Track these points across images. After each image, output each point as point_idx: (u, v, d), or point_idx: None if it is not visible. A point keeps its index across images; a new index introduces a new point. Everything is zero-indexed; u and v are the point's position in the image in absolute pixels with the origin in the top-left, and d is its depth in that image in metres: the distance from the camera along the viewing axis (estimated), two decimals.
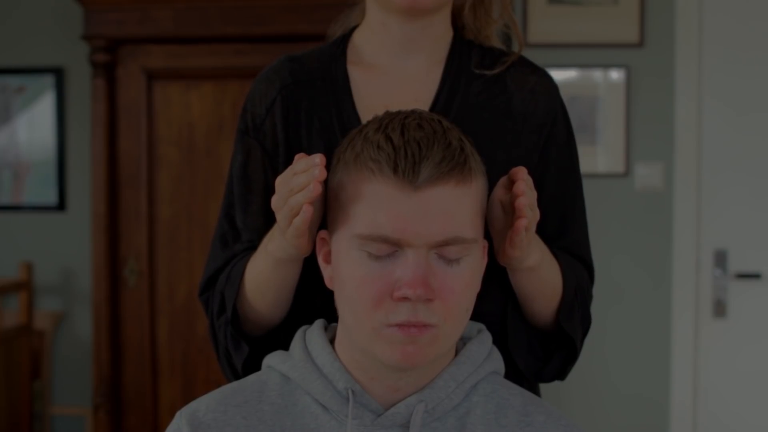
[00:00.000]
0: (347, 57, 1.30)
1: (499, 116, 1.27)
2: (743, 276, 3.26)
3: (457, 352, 1.11)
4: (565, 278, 1.23)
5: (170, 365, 3.22)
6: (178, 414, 1.11)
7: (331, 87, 1.28)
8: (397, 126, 1.04)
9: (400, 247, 1.01)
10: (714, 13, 3.24)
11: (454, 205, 1.02)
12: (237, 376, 1.25)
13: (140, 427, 3.23)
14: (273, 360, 1.14)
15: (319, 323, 1.15)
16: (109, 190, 3.17)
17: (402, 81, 1.28)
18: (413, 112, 1.08)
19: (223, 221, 1.30)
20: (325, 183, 1.08)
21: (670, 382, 3.30)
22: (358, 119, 1.24)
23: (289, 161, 1.14)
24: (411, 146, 1.01)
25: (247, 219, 1.28)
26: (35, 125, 3.58)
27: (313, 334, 1.13)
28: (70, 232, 3.55)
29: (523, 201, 1.06)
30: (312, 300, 1.22)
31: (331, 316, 1.14)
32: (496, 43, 1.35)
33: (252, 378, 1.15)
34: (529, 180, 1.11)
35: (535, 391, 1.32)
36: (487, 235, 1.13)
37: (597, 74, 3.30)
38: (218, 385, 1.19)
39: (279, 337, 1.24)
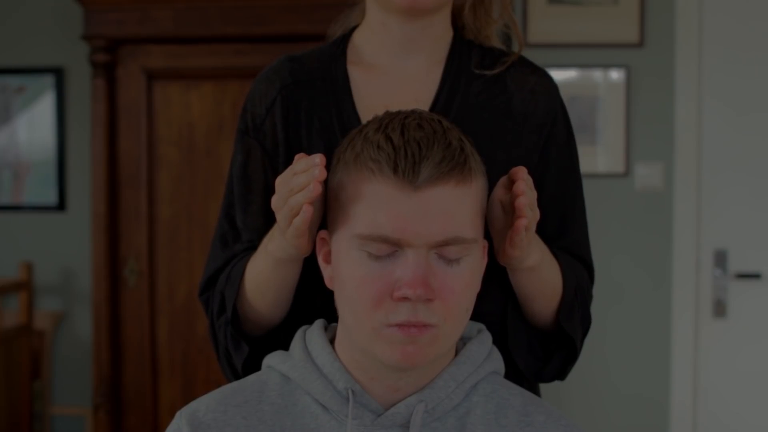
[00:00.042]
0: (347, 57, 1.30)
1: (499, 116, 1.27)
2: (743, 276, 3.26)
3: (457, 352, 1.11)
4: (565, 278, 1.23)
5: (170, 365, 3.22)
6: (178, 414, 1.11)
7: (331, 87, 1.28)
8: (397, 126, 1.04)
9: (400, 247, 1.01)
10: (714, 13, 3.24)
11: (454, 205, 1.02)
12: (237, 376, 1.25)
13: (140, 427, 3.23)
14: (273, 360, 1.14)
15: (319, 323, 1.15)
16: (109, 190, 3.17)
17: (402, 81, 1.28)
18: (413, 112, 1.08)
19: (223, 221, 1.30)
20: (325, 183, 1.08)
21: (670, 382, 3.30)
22: (358, 119, 1.24)
23: (289, 161, 1.14)
24: (411, 146, 1.01)
25: (247, 219, 1.28)
26: (35, 125, 3.58)
27: (313, 334, 1.13)
28: (70, 232, 3.55)
29: (523, 201, 1.06)
30: (312, 300, 1.22)
31: (331, 316, 1.14)
32: (496, 43, 1.35)
33: (252, 378, 1.15)
34: (529, 180, 1.11)
35: (535, 391, 1.32)
36: (487, 235, 1.13)
37: (597, 74, 3.30)
38: (218, 385, 1.19)
39: (279, 337, 1.24)
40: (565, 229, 1.29)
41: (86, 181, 3.44)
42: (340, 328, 1.11)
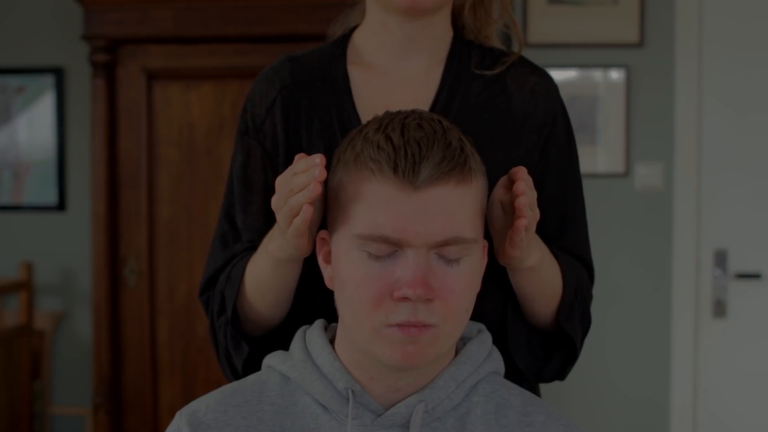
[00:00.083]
0: (347, 57, 1.30)
1: (499, 116, 1.27)
2: (743, 276, 3.26)
3: (457, 352, 1.11)
4: (565, 278, 1.23)
5: (170, 365, 3.22)
6: (178, 414, 1.11)
7: (331, 87, 1.28)
8: (397, 126, 1.04)
9: (400, 247, 1.01)
10: (714, 13, 3.24)
11: (454, 205, 1.02)
12: (237, 376, 1.25)
13: (140, 427, 3.23)
14: (273, 360, 1.14)
15: (319, 323, 1.15)
16: (109, 190, 3.17)
17: (402, 81, 1.28)
18: (413, 112, 1.08)
19: (223, 221, 1.30)
20: (325, 183, 1.08)
21: (670, 382, 3.30)
22: (358, 119, 1.24)
23: (289, 161, 1.14)
24: (411, 146, 1.01)
25: (247, 219, 1.28)
26: (35, 125, 3.58)
27: (313, 334, 1.13)
28: (70, 232, 3.55)
29: (523, 201, 1.06)
30: (312, 300, 1.22)
31: (331, 316, 1.14)
32: (496, 43, 1.35)
33: (252, 378, 1.15)
34: (529, 180, 1.11)
35: (535, 391, 1.32)
36: (487, 235, 1.13)
37: (597, 74, 3.30)
38: (218, 385, 1.19)
39: (279, 337, 1.24)
40: (565, 229, 1.29)
41: (86, 181, 3.44)
42: (340, 328, 1.11)
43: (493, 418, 1.09)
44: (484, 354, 1.12)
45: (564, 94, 1.34)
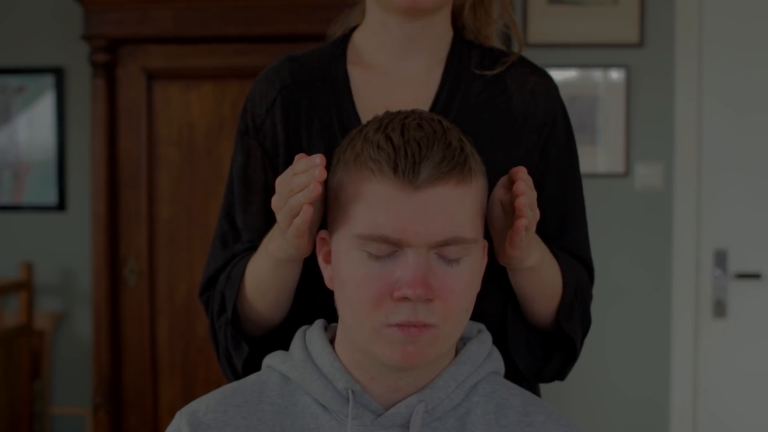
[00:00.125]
0: (347, 57, 1.30)
1: (499, 116, 1.27)
2: (743, 276, 3.26)
3: (457, 352, 1.11)
4: (565, 278, 1.23)
5: (170, 365, 3.22)
6: (178, 414, 1.11)
7: (331, 87, 1.28)
8: (397, 126, 1.04)
9: (400, 247, 1.01)
10: (714, 13, 3.24)
11: (454, 205, 1.02)
12: (237, 376, 1.25)
13: (140, 427, 3.23)
14: (273, 360, 1.14)
15: (319, 323, 1.15)
16: (109, 190, 3.17)
17: (402, 81, 1.28)
18: (413, 112, 1.08)
19: (223, 221, 1.30)
20: (325, 183, 1.08)
21: (670, 382, 3.30)
22: (358, 119, 1.24)
23: (289, 161, 1.14)
24: (411, 146, 1.01)
25: (248, 219, 1.28)
26: (35, 125, 3.58)
27: (313, 334, 1.13)
28: (70, 232, 3.55)
29: (523, 201, 1.06)
30: (312, 300, 1.22)
31: (331, 316, 1.14)
32: (496, 43, 1.35)
33: (252, 378, 1.15)
34: (529, 180, 1.11)
35: (535, 391, 1.32)
36: (487, 235, 1.13)
37: (597, 74, 3.30)
38: (218, 385, 1.19)
39: (279, 337, 1.24)
40: (565, 229, 1.29)
41: (86, 181, 3.44)
42: (340, 328, 1.11)
43: (493, 418, 1.09)
44: (484, 354, 1.12)
45: (564, 94, 1.34)
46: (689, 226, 3.25)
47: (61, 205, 3.57)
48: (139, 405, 3.22)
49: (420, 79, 1.28)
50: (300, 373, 1.10)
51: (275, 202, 1.10)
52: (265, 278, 1.20)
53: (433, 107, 1.25)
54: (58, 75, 3.54)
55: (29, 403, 3.48)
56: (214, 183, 3.15)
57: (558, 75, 3.16)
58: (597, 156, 3.30)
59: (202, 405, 1.10)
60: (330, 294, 1.10)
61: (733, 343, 3.28)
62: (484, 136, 1.21)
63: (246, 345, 1.24)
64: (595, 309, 1.34)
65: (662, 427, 3.31)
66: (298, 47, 1.40)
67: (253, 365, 1.22)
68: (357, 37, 1.32)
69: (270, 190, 1.15)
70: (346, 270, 1.04)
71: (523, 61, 1.32)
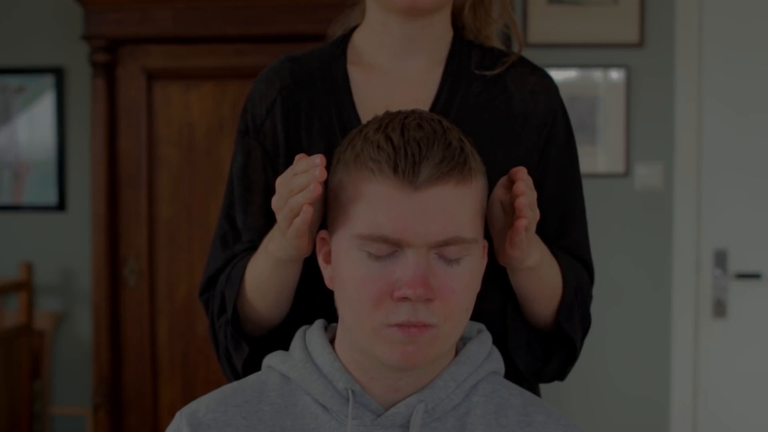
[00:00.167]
0: (347, 57, 1.30)
1: (499, 116, 1.27)
2: (743, 276, 3.26)
3: (457, 352, 1.11)
4: (565, 278, 1.23)
5: (170, 365, 3.22)
6: (178, 414, 1.11)
7: (331, 87, 1.28)
8: (397, 126, 1.04)
9: (400, 247, 1.01)
10: (714, 13, 3.24)
11: (454, 205, 1.02)
12: (237, 376, 1.25)
13: (140, 427, 3.23)
14: (273, 360, 1.14)
15: (319, 323, 1.15)
16: (109, 190, 3.17)
17: (402, 81, 1.28)
18: (413, 112, 1.08)
19: (223, 221, 1.30)
20: (325, 183, 1.08)
21: (670, 382, 3.30)
22: (358, 119, 1.24)
23: (289, 162, 1.14)
24: (411, 146, 1.01)
25: (248, 219, 1.28)
26: (35, 125, 3.58)
27: (313, 334, 1.13)
28: (70, 232, 3.55)
29: (523, 201, 1.06)
30: (312, 300, 1.22)
31: (331, 316, 1.14)
32: (496, 43, 1.35)
33: (252, 378, 1.15)
34: (529, 180, 1.11)
35: (535, 391, 1.32)
36: (487, 235, 1.13)
37: (597, 74, 3.30)
38: (218, 385, 1.19)
39: (279, 337, 1.24)
40: (565, 229, 1.29)
41: (86, 181, 3.44)
42: (340, 328, 1.11)
43: (493, 418, 1.09)
44: (484, 354, 1.12)
45: (564, 94, 1.34)
46: (689, 226, 3.25)
47: (61, 205, 3.57)
48: (139, 405, 3.22)
49: (420, 79, 1.28)
50: (300, 373, 1.10)
51: (275, 202, 1.10)
52: (265, 278, 1.20)
53: (433, 107, 1.25)
54: (58, 75, 3.54)
55: (29, 403, 3.48)
56: (214, 183, 3.15)
57: (558, 75, 3.16)
58: (597, 156, 3.30)
59: (202, 405, 1.10)
60: (330, 294, 1.10)
61: (733, 343, 3.28)
62: (484, 136, 1.21)
63: (246, 345, 1.24)
64: (595, 309, 1.34)
65: (662, 427, 3.31)
66: (298, 47, 1.40)
67: (253, 365, 1.22)
68: (357, 37, 1.32)
69: (270, 191, 1.15)
70: (346, 270, 1.04)
71: (523, 61, 1.32)
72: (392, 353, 1.02)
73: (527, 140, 1.27)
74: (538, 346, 1.28)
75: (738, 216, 3.25)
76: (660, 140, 3.27)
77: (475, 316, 1.11)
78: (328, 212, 1.10)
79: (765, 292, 3.26)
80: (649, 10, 3.26)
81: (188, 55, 3.15)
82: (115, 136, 3.19)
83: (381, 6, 1.26)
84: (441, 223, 1.01)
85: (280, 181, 1.10)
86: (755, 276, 3.26)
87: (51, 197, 3.57)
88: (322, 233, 1.11)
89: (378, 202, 1.01)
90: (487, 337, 1.15)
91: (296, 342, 1.14)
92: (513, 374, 1.23)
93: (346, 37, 1.33)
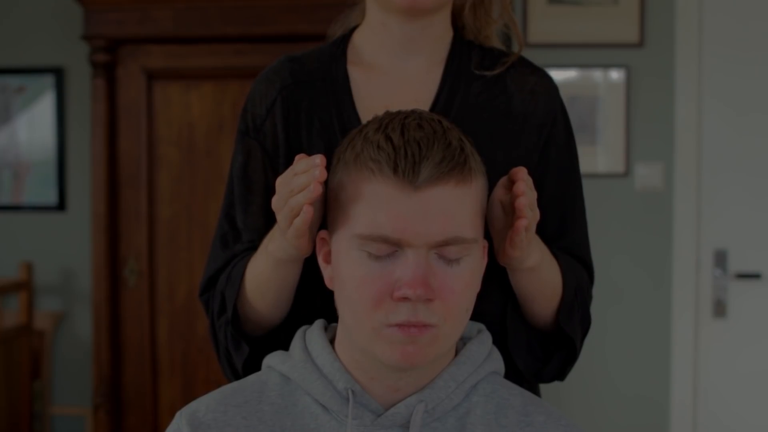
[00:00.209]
0: (347, 57, 1.30)
1: (499, 116, 1.27)
2: (743, 276, 3.26)
3: (457, 352, 1.11)
4: (565, 279, 1.23)
5: (170, 365, 3.22)
6: (178, 414, 1.11)
7: (331, 87, 1.28)
8: (397, 126, 1.04)
9: (400, 247, 1.01)
10: (714, 13, 3.24)
11: (454, 205, 1.02)
12: (237, 376, 1.26)
13: (140, 427, 3.23)
14: (273, 360, 1.14)
15: (319, 323, 1.15)
16: (109, 190, 3.17)
17: (402, 81, 1.28)
18: (413, 112, 1.08)
19: (223, 221, 1.30)
20: (325, 183, 1.08)
21: (670, 382, 3.30)
22: (358, 119, 1.24)
23: (289, 162, 1.14)
24: (411, 146, 1.01)
25: (248, 219, 1.28)
26: (35, 125, 3.58)
27: (313, 334, 1.13)
28: (70, 232, 3.55)
29: (523, 201, 1.06)
30: (312, 300, 1.22)
31: (331, 316, 1.14)
32: (496, 43, 1.35)
33: (252, 378, 1.15)
34: (529, 180, 1.11)
35: (535, 391, 1.32)
36: (487, 235, 1.13)
37: (597, 74, 3.30)
38: (218, 385, 1.19)
39: (279, 337, 1.24)
40: (565, 229, 1.29)
41: (86, 181, 3.44)
42: (340, 328, 1.11)
43: (493, 418, 1.09)
44: (484, 354, 1.12)
45: (564, 94, 1.34)
46: (689, 226, 3.25)
47: (61, 205, 3.57)
48: (139, 405, 3.22)
49: (420, 79, 1.28)
50: (300, 373, 1.10)
51: (275, 202, 1.10)
52: (265, 278, 1.20)
53: (433, 107, 1.25)
54: (58, 75, 3.54)
55: (29, 403, 3.48)
56: (214, 183, 3.15)
57: (558, 75, 3.16)
58: (597, 156, 3.30)
59: (202, 405, 1.10)
60: (330, 294, 1.10)
61: (733, 343, 3.28)
62: (484, 136, 1.21)
63: (246, 345, 1.24)
64: (595, 309, 1.34)
65: (662, 427, 3.31)
66: (298, 47, 1.40)
67: (253, 365, 1.22)
68: (357, 37, 1.32)
69: (270, 191, 1.15)
70: (346, 270, 1.04)
71: (523, 62, 1.32)
72: (392, 353, 1.02)
73: (527, 140, 1.27)
74: (538, 346, 1.28)
75: (738, 216, 3.25)
76: (660, 140, 3.27)
77: (475, 316, 1.11)
78: (328, 212, 1.10)
79: (765, 292, 3.26)
80: (649, 10, 3.26)
81: (188, 55, 3.15)
82: (115, 136, 3.19)
83: (381, 6, 1.26)
84: (441, 223, 1.01)
85: (280, 181, 1.10)
86: (755, 276, 3.26)
87: (51, 197, 3.57)
88: (322, 233, 1.11)
89: (378, 202, 1.01)
90: (487, 337, 1.15)
91: (296, 342, 1.14)
92: (513, 374, 1.23)
93: (346, 37, 1.33)
